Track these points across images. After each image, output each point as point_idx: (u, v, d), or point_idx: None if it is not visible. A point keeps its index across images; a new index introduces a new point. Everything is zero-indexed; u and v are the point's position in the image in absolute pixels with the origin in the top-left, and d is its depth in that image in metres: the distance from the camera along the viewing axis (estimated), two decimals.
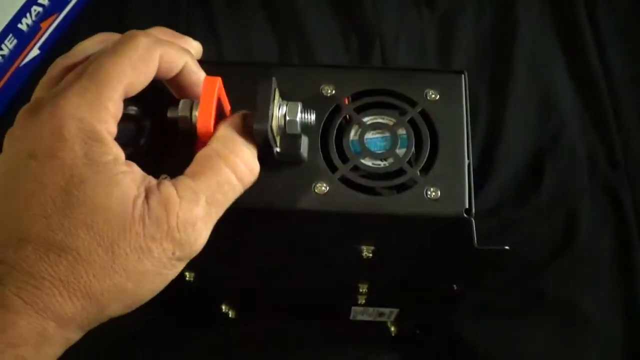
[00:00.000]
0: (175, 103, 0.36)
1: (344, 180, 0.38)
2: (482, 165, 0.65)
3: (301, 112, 0.36)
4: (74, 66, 0.35)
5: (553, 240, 0.64)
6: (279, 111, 0.36)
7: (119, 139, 0.39)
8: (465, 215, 0.37)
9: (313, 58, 0.67)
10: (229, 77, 0.37)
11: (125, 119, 0.38)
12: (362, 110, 0.40)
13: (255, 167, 0.34)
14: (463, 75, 0.41)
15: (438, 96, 0.40)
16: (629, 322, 0.61)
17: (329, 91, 0.40)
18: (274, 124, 0.35)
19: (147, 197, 0.30)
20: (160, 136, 0.39)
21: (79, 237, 0.29)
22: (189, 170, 0.33)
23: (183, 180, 0.32)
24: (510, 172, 0.65)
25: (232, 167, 0.33)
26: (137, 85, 0.33)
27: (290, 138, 0.37)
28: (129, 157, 0.38)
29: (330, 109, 0.40)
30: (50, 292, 0.29)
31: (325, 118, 0.39)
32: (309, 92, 0.40)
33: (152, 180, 0.32)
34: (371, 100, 0.40)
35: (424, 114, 0.40)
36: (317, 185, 0.38)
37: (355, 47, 0.68)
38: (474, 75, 0.66)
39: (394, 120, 0.40)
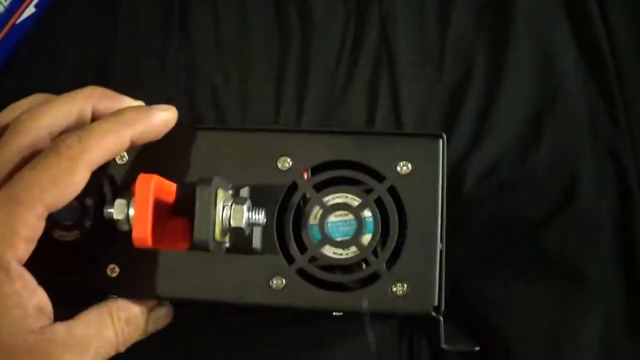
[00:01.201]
0: (111, 200, 0.33)
1: (302, 273, 0.35)
2: (480, 123, 0.61)
3: (248, 213, 0.33)
4: (3, 128, 0.34)
5: (552, 200, 0.61)
6: (222, 213, 0.32)
7: (64, 220, 0.36)
8: (433, 313, 0.34)
9: (310, 17, 0.61)
10: (185, 142, 0.36)
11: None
12: (323, 187, 0.35)
13: (140, 328, 0.36)
14: (441, 140, 0.36)
15: (410, 168, 0.35)
16: (628, 284, 0.59)
17: (286, 164, 0.35)
18: (217, 229, 0.32)
19: (40, 333, 0.31)
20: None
21: None
22: (83, 314, 0.33)
23: (76, 325, 0.33)
24: (509, 131, 0.61)
25: (116, 328, 0.34)
26: (62, 199, 0.31)
27: (239, 234, 0.34)
28: (74, 241, 0.36)
29: (287, 188, 0.35)
30: None
31: (281, 199, 0.35)
32: (263, 167, 0.35)
33: (45, 319, 0.31)
34: (333, 174, 0.35)
35: (393, 191, 0.35)
36: (274, 280, 0.34)
37: (353, 2, 0.62)
38: (472, 32, 0.60)
39: (358, 199, 0.35)
